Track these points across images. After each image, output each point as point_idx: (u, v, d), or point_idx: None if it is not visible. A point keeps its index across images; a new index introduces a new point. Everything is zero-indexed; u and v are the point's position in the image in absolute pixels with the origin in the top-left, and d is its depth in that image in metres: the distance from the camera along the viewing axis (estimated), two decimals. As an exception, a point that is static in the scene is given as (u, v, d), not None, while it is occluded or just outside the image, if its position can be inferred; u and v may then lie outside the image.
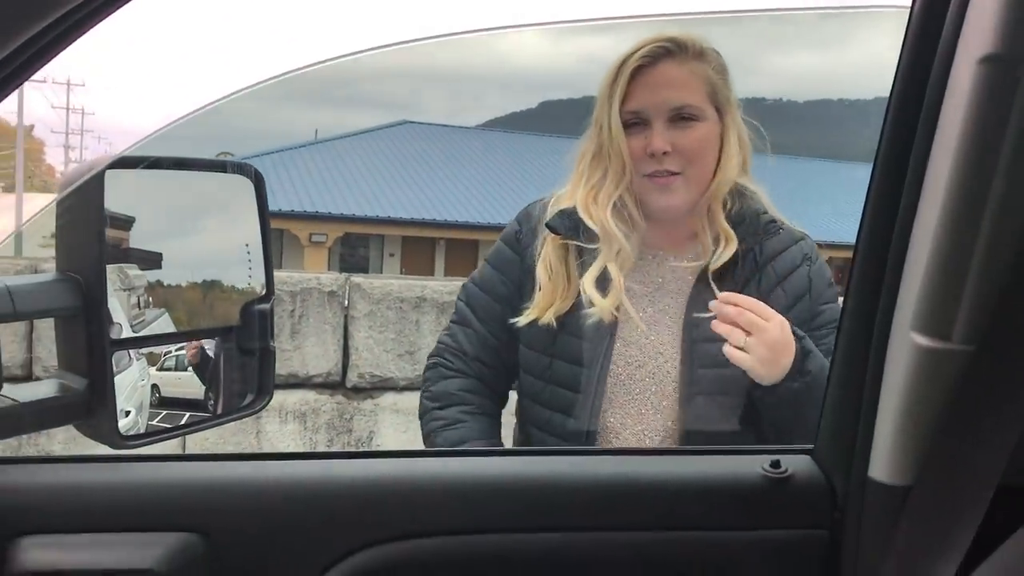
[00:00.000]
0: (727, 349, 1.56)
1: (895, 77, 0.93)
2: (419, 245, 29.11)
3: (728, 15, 1.26)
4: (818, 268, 1.78)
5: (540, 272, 1.74)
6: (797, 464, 1.10)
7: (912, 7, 0.91)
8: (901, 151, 0.92)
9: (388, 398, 5.17)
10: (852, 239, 1.03)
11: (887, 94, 0.96)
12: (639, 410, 1.69)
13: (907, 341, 0.92)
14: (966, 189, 0.84)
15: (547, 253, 1.75)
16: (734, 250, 1.70)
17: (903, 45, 0.92)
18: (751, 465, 1.10)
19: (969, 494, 0.94)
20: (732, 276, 1.70)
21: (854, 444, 1.02)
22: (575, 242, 1.72)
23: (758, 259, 1.74)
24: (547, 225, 1.74)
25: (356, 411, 5.14)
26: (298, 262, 24.57)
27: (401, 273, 23.66)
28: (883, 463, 0.97)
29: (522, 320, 1.73)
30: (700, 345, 1.67)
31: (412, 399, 5.20)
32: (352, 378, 5.11)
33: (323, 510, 1.03)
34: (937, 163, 0.87)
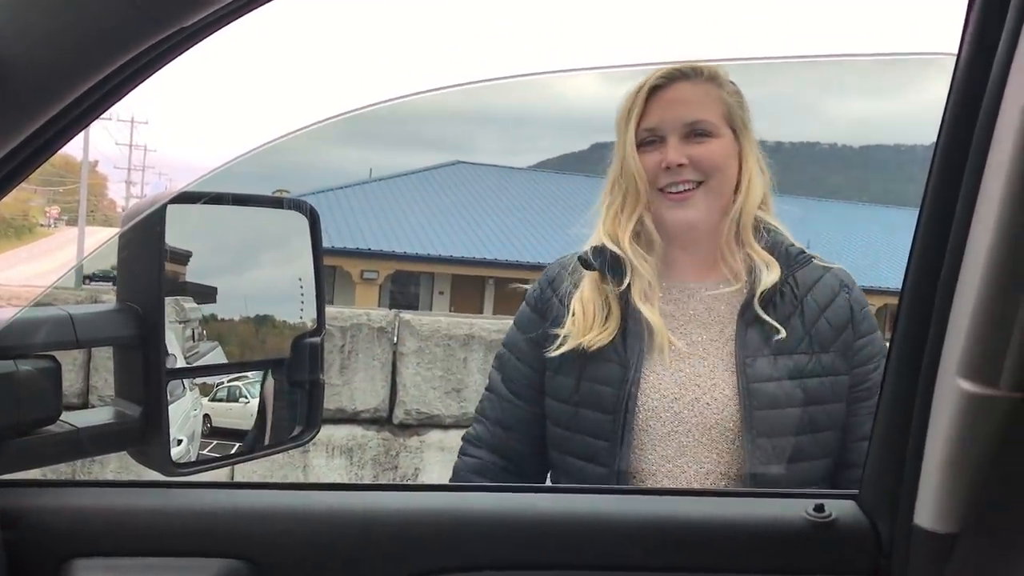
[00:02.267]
0: None
1: (942, 123, 0.94)
2: (469, 284, 29.24)
3: (782, 60, 1.27)
4: (857, 296, 1.76)
5: (575, 304, 1.74)
6: (842, 509, 1.09)
7: (958, 55, 0.91)
8: (948, 197, 0.92)
9: (434, 435, 5.19)
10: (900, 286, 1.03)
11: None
12: (679, 443, 1.65)
13: (954, 387, 0.91)
14: (1013, 235, 0.83)
15: (582, 288, 1.75)
16: (777, 275, 1.68)
17: (950, 92, 0.92)
18: (795, 509, 1.09)
19: (1016, 542, 0.92)
20: (774, 311, 1.68)
21: (899, 490, 1.01)
22: (610, 280, 1.72)
23: (796, 292, 1.71)
24: (579, 259, 1.76)
25: (402, 448, 5.16)
26: (349, 298, 24.82)
27: (450, 311, 23.78)
28: (929, 510, 0.96)
29: (554, 351, 1.73)
30: (757, 386, 1.64)
31: (458, 437, 5.21)
32: (399, 414, 5.14)
33: (367, 541, 1.05)
34: (983, 210, 0.87)
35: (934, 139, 0.96)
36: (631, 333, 1.69)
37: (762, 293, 1.67)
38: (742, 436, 1.63)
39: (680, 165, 1.68)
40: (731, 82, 1.75)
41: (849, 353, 1.70)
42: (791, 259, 1.72)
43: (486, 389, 1.89)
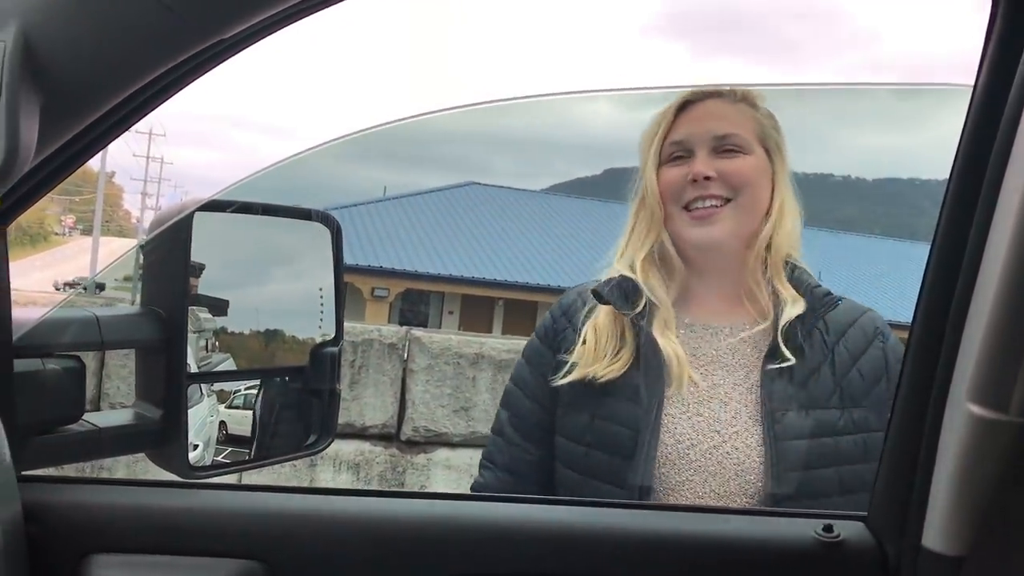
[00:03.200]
0: None
1: (956, 153, 0.96)
2: (478, 304, 29.27)
3: (801, 87, 1.29)
4: (893, 345, 1.62)
5: (587, 331, 1.61)
6: (850, 530, 1.10)
7: (975, 87, 0.93)
8: (961, 222, 0.94)
9: (441, 453, 5.19)
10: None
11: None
12: (694, 493, 1.51)
13: (963, 411, 0.93)
14: (1025, 263, 0.85)
15: (597, 315, 1.63)
16: (802, 308, 1.55)
17: (965, 122, 0.94)
18: (803, 528, 1.10)
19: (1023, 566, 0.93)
20: (803, 359, 1.53)
21: (908, 512, 1.02)
22: (622, 311, 1.58)
23: (826, 338, 1.57)
24: (593, 292, 1.62)
25: (409, 465, 5.17)
26: (360, 315, 24.87)
27: (459, 331, 23.78)
28: (937, 532, 0.97)
29: (563, 378, 1.60)
30: (787, 444, 1.49)
31: (465, 455, 5.24)
32: (407, 431, 5.15)
33: (381, 547, 1.06)
34: (997, 237, 0.89)
35: (948, 174, 0.98)
36: (650, 368, 1.55)
37: (787, 330, 1.54)
38: (763, 492, 1.49)
39: (708, 178, 1.55)
40: (764, 104, 1.65)
41: (885, 410, 1.50)
42: (816, 301, 1.58)
43: (493, 431, 1.76)
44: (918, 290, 1.02)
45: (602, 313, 1.62)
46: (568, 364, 1.61)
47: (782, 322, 1.55)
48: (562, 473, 1.61)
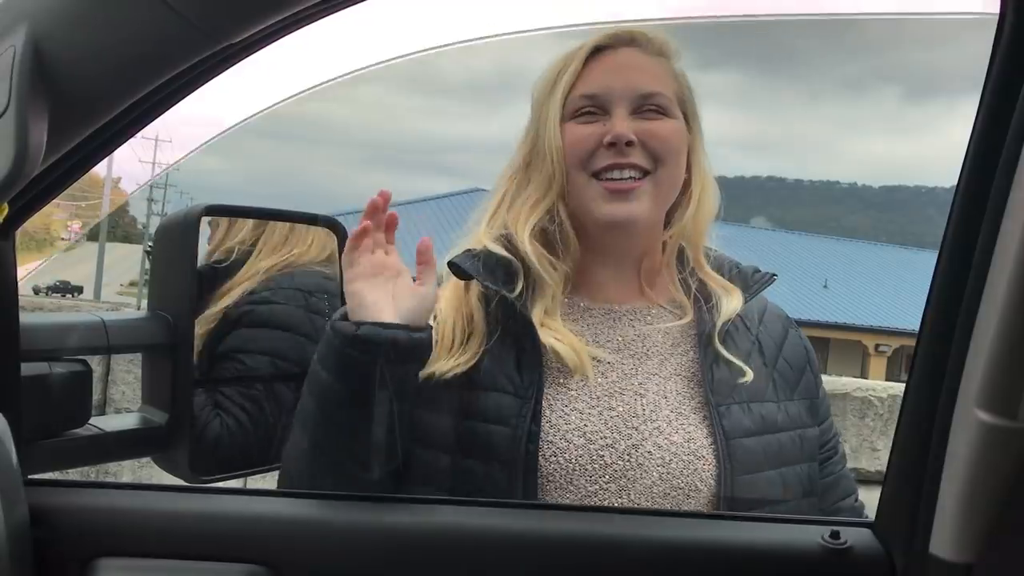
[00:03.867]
0: None
1: (964, 159, 0.96)
2: (484, 311, 29.21)
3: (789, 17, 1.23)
4: (803, 334, 1.47)
5: (435, 314, 1.34)
6: (857, 537, 1.10)
7: (983, 91, 0.93)
8: (969, 230, 0.94)
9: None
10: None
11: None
12: (613, 503, 1.25)
13: (971, 418, 0.93)
14: (1033, 269, 0.85)
15: (445, 297, 1.36)
16: (739, 303, 1.37)
17: (973, 128, 0.94)
18: (810, 535, 1.10)
19: (1031, 574, 0.92)
20: (734, 346, 1.36)
21: (916, 519, 1.01)
22: (483, 283, 1.33)
23: (748, 324, 1.40)
24: (449, 264, 1.36)
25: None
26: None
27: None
28: (945, 539, 0.97)
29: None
30: (736, 442, 1.29)
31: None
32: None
33: (388, 553, 1.06)
34: (1005, 243, 0.89)
35: (954, 182, 0.98)
36: (525, 351, 1.30)
37: (723, 325, 1.35)
38: (712, 501, 1.28)
39: (629, 143, 1.30)
40: (679, 61, 1.41)
41: (815, 403, 1.41)
42: (748, 279, 1.41)
43: None
44: (926, 296, 1.02)
45: (451, 292, 1.37)
46: None
47: (713, 309, 1.36)
48: (416, 492, 1.26)
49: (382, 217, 1.27)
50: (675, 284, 1.40)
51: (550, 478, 1.24)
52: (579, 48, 1.35)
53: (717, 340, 1.34)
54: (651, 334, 1.36)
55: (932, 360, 1.00)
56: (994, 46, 0.92)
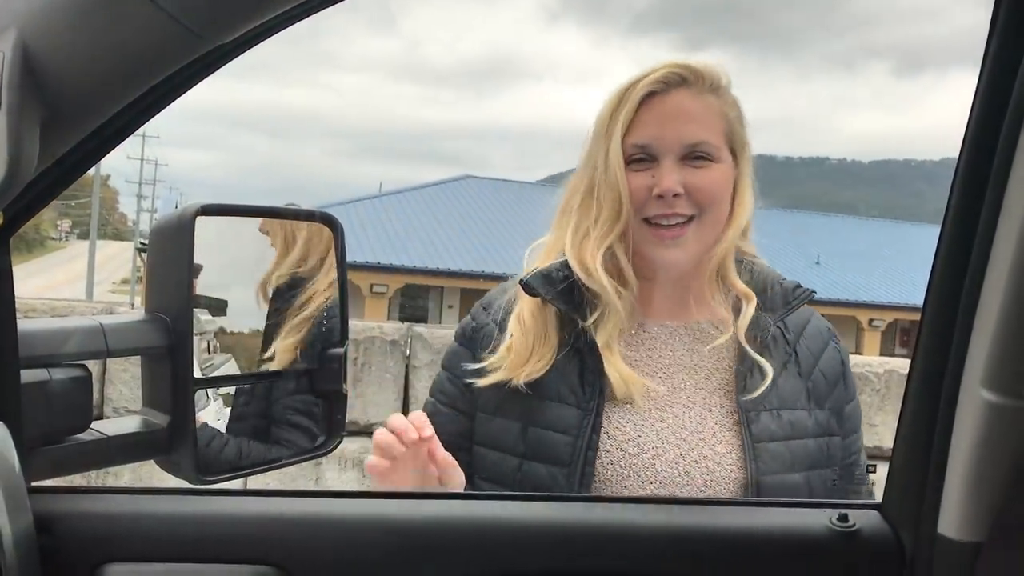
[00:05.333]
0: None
1: (964, 136, 0.95)
2: (478, 297, 29.19)
3: None
4: (843, 347, 1.57)
5: (513, 327, 1.48)
6: (865, 519, 1.10)
7: (983, 64, 0.93)
8: (971, 208, 0.93)
9: (446, 448, 5.20)
10: (913, 300, 1.03)
11: (954, 155, 0.98)
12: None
13: (977, 397, 0.93)
14: (1037, 247, 0.85)
15: (521, 309, 1.50)
16: (753, 307, 1.47)
17: (973, 103, 0.94)
18: (818, 518, 1.10)
19: (1041, 552, 0.93)
20: (771, 358, 1.45)
21: (923, 500, 1.02)
22: (556, 305, 1.46)
23: (788, 337, 1.50)
24: (523, 284, 1.49)
25: (414, 460, 5.17)
26: (358, 312, 24.88)
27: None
28: (953, 519, 0.97)
29: (483, 380, 1.47)
30: (762, 446, 1.41)
31: (470, 450, 5.22)
32: (411, 427, 5.15)
33: (396, 549, 1.06)
34: (1007, 221, 0.89)
35: (945, 155, 0.97)
36: (589, 370, 1.44)
37: (749, 332, 1.45)
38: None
39: (675, 195, 1.42)
40: (729, 89, 1.51)
41: (843, 415, 1.51)
42: (788, 295, 1.50)
43: None
44: (928, 276, 1.01)
45: (527, 308, 1.49)
46: (489, 366, 1.47)
47: (742, 315, 1.46)
48: (484, 488, 1.45)
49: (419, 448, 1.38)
50: (717, 300, 1.51)
51: (606, 483, 1.39)
52: (633, 89, 1.44)
53: (748, 347, 1.45)
54: (697, 348, 1.49)
55: (936, 340, 1.00)
56: (992, 18, 0.92)
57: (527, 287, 1.48)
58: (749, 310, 1.46)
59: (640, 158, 1.44)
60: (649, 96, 1.44)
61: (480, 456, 1.48)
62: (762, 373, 1.44)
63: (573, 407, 1.42)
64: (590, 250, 1.45)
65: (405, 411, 5.17)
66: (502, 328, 1.51)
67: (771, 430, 1.42)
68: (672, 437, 1.42)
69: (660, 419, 1.43)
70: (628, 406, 1.43)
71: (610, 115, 1.46)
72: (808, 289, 1.52)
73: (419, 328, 5.26)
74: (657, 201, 1.43)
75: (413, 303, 29.79)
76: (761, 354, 1.45)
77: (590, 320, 1.44)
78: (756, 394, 1.42)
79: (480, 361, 1.50)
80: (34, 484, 1.07)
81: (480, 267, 27.61)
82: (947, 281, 0.98)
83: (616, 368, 1.43)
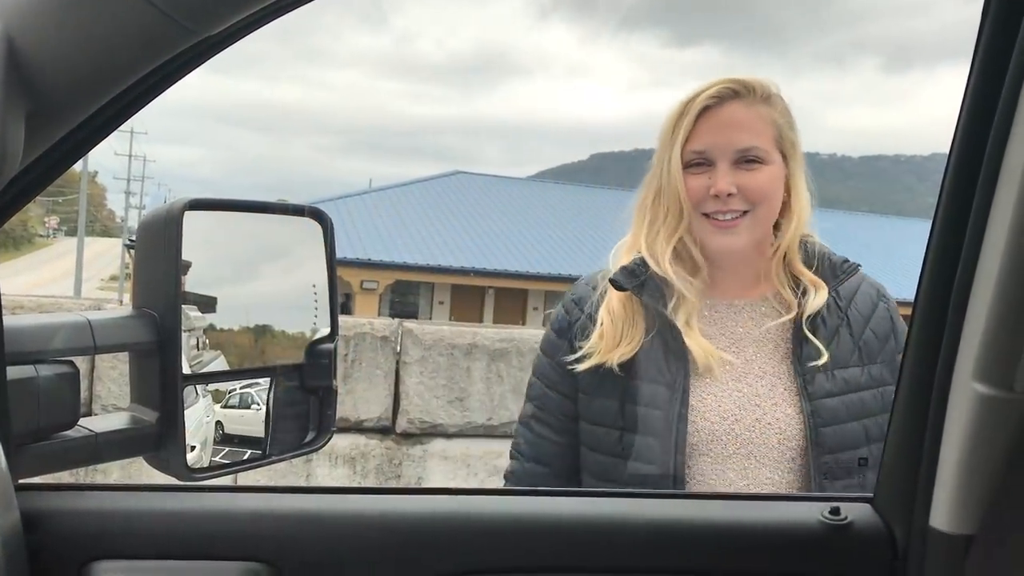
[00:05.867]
0: None
1: (955, 130, 0.95)
2: (468, 293, 29.25)
3: None
4: (893, 305, 1.78)
5: (603, 316, 1.71)
6: (857, 512, 1.10)
7: (973, 60, 0.93)
8: (962, 202, 0.93)
9: (437, 444, 5.19)
10: (904, 295, 1.04)
11: (944, 150, 0.98)
12: (741, 465, 1.63)
13: (968, 390, 0.93)
14: (1028, 239, 0.85)
15: (610, 300, 1.72)
16: (824, 298, 1.68)
17: (964, 98, 0.94)
18: (810, 512, 1.10)
19: (1033, 544, 0.93)
20: (824, 325, 1.68)
21: (915, 493, 1.02)
22: (639, 295, 1.69)
23: (840, 304, 1.72)
24: (611, 280, 1.72)
25: (405, 456, 5.16)
26: (349, 308, 24.82)
27: (451, 321, 23.78)
28: (944, 512, 0.97)
29: (581, 365, 1.70)
30: (819, 403, 1.64)
31: (461, 446, 5.24)
32: (402, 423, 5.14)
33: (386, 544, 1.06)
34: (998, 215, 0.88)
35: (935, 150, 0.97)
36: (672, 351, 1.66)
37: (810, 315, 1.66)
38: (806, 455, 1.62)
39: (729, 195, 1.65)
40: (781, 97, 1.73)
41: (895, 365, 1.68)
42: (836, 269, 1.72)
43: (520, 422, 1.86)
44: (920, 269, 1.01)
45: (615, 299, 1.71)
46: (586, 352, 1.70)
47: (809, 300, 1.67)
48: (590, 457, 1.71)
49: None
50: (781, 280, 1.73)
51: (694, 447, 1.62)
52: (692, 104, 1.68)
53: (805, 326, 1.66)
54: (764, 322, 1.71)
55: (928, 333, 1.00)
56: (984, 11, 0.91)
57: (615, 283, 1.70)
58: (819, 298, 1.67)
59: (699, 163, 1.68)
60: (705, 109, 1.67)
61: (586, 432, 1.72)
62: (816, 341, 1.65)
63: (662, 385, 1.64)
64: (660, 245, 1.69)
65: (396, 407, 5.16)
66: (592, 319, 1.74)
67: (826, 388, 1.63)
68: (748, 404, 1.64)
69: (737, 389, 1.66)
70: (708, 379, 1.66)
71: (672, 127, 1.69)
72: (855, 263, 1.73)
73: (410, 324, 5.25)
74: (714, 200, 1.66)
75: (404, 299, 29.74)
76: (816, 323, 1.67)
77: (669, 306, 1.66)
78: (813, 364, 1.64)
79: (576, 349, 1.72)
80: (21, 482, 1.06)
81: (471, 263, 27.59)
82: (938, 275, 0.98)
83: (696, 343, 1.65)
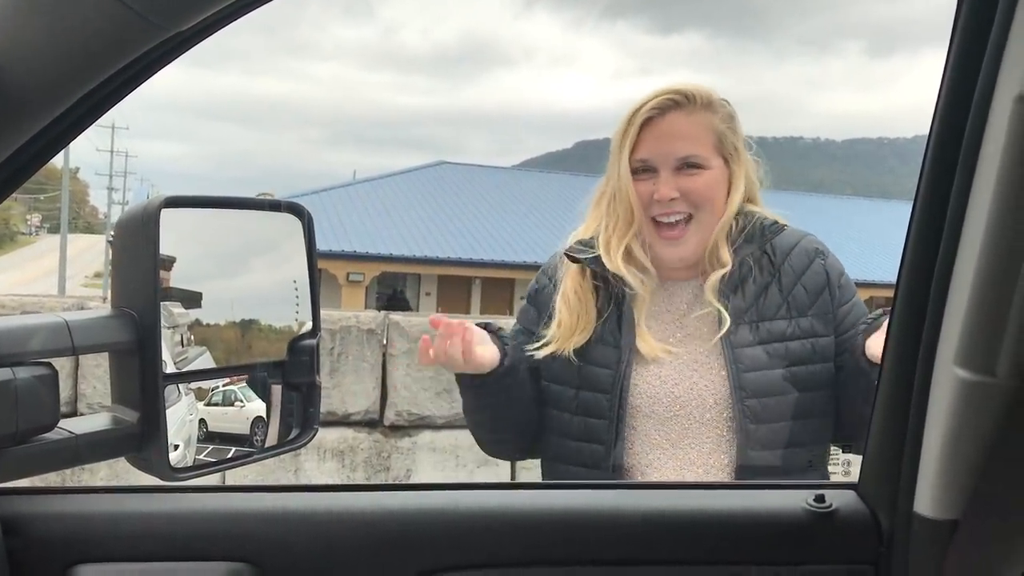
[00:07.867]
0: None
1: (934, 115, 0.95)
2: (455, 284, 29.23)
3: None
4: (832, 262, 1.86)
5: (560, 305, 1.84)
6: (842, 499, 1.10)
7: (951, 44, 0.92)
8: (941, 188, 0.93)
9: (426, 436, 5.19)
10: (886, 277, 1.04)
11: (926, 133, 0.98)
12: (682, 426, 1.76)
13: (951, 376, 0.92)
14: (1007, 225, 0.84)
15: (566, 287, 1.85)
16: (727, 269, 1.79)
17: (941, 83, 0.93)
18: (795, 499, 1.10)
19: (1016, 528, 0.93)
20: (753, 281, 1.80)
21: (899, 479, 1.02)
22: (595, 267, 1.82)
23: (774, 260, 1.83)
24: (566, 253, 1.85)
25: (394, 449, 5.16)
26: (335, 301, 24.76)
27: (438, 312, 23.74)
28: (928, 498, 0.97)
29: (540, 352, 1.83)
30: (740, 351, 1.76)
31: (449, 437, 5.24)
32: (390, 416, 5.14)
33: (371, 541, 1.05)
34: (978, 199, 0.88)
35: (917, 132, 0.97)
36: (625, 320, 1.80)
37: (722, 283, 1.79)
38: (733, 401, 1.74)
39: (672, 199, 1.77)
40: (723, 102, 1.83)
41: (829, 318, 1.81)
42: (765, 230, 1.83)
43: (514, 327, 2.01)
44: (900, 254, 1.01)
45: (570, 287, 1.85)
46: (546, 340, 1.83)
47: (711, 283, 1.79)
48: (550, 413, 1.86)
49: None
50: (724, 255, 1.81)
51: (636, 408, 1.77)
52: (636, 115, 1.80)
53: (712, 293, 1.79)
54: (701, 293, 1.81)
55: (909, 318, 0.99)
56: None
57: (571, 255, 1.83)
58: (715, 276, 1.79)
59: (644, 170, 1.80)
60: (648, 120, 1.79)
61: (546, 389, 1.86)
62: (743, 296, 1.78)
63: (613, 347, 1.79)
64: (614, 247, 1.81)
65: (383, 401, 5.15)
66: (555, 286, 1.88)
67: (748, 339, 1.76)
68: (686, 369, 1.78)
69: (677, 356, 1.79)
70: (649, 362, 1.78)
71: (620, 138, 1.82)
72: (781, 224, 1.84)
73: (396, 316, 5.23)
74: (659, 204, 1.79)
75: (390, 291, 29.67)
76: (746, 282, 1.80)
77: (623, 295, 1.80)
78: (727, 327, 1.77)
79: (543, 319, 1.88)
80: (1, 486, 1.05)
81: (458, 254, 27.54)
82: (919, 261, 0.97)
83: (644, 339, 1.79)
